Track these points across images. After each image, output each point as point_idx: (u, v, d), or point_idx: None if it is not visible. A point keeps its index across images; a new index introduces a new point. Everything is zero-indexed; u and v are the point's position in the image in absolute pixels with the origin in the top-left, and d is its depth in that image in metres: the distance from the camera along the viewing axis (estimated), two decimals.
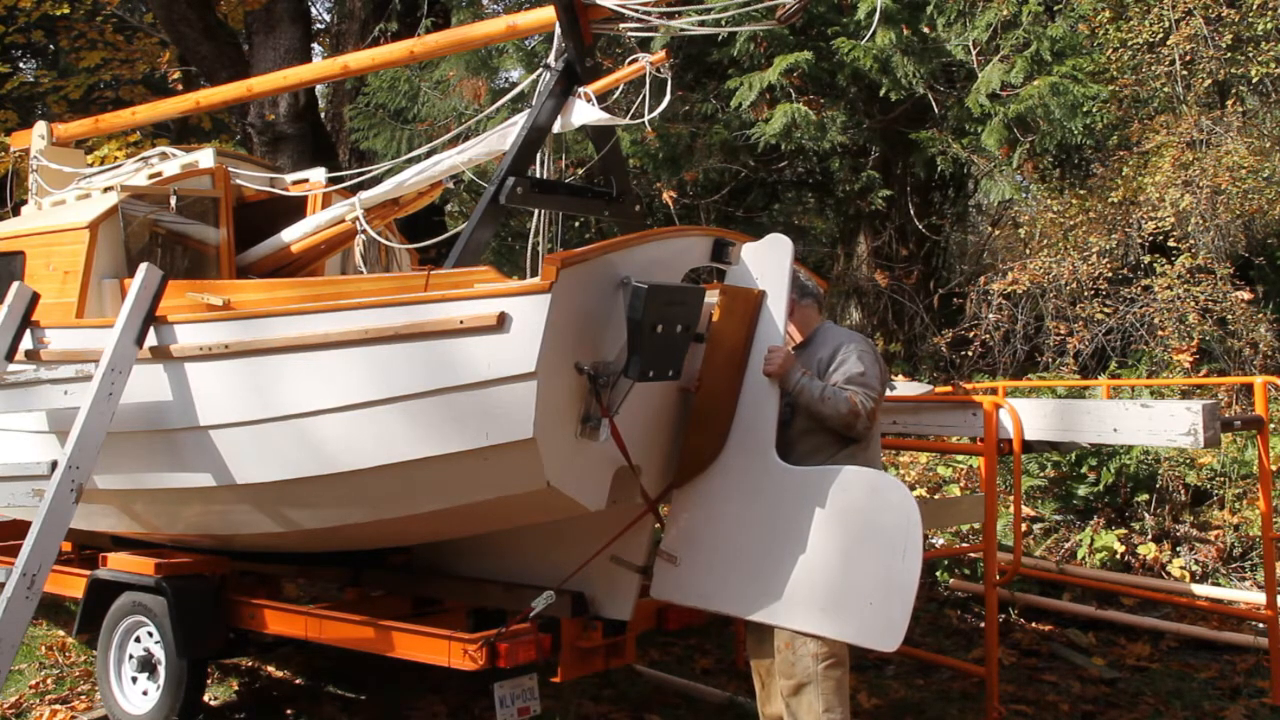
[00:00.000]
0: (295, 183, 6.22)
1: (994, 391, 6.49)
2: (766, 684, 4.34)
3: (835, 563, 3.78)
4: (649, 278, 3.75)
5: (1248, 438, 7.43)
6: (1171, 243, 9.16)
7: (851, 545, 3.76)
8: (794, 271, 4.23)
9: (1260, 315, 8.72)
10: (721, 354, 4.07)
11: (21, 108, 15.51)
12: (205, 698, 5.25)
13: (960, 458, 8.34)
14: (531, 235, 5.32)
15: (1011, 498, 6.55)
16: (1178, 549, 7.31)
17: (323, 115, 13.43)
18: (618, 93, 5.50)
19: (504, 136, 4.85)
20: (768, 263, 4.13)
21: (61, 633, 6.77)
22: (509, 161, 4.67)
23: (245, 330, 4.35)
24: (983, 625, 5.92)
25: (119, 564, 5.24)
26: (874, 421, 4.07)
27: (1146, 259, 9.28)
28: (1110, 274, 9.22)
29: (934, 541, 7.80)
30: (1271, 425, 6.12)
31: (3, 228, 6.19)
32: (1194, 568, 7.16)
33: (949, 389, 6.94)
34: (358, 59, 6.13)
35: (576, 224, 11.30)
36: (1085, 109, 8.93)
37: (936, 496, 8.27)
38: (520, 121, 4.78)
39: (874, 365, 4.13)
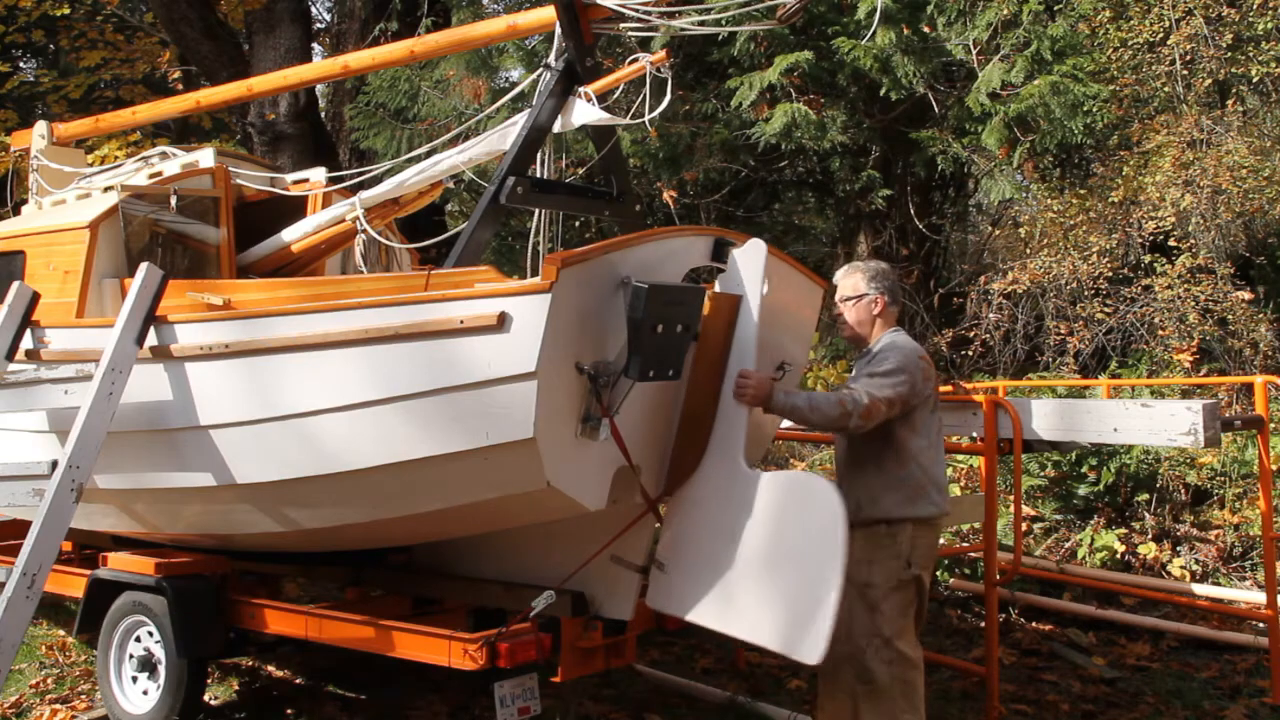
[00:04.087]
0: (295, 182, 6.22)
1: (994, 391, 6.49)
2: (827, 680, 4.29)
3: (772, 570, 3.76)
4: (649, 277, 3.75)
5: (1248, 437, 7.43)
6: (1172, 242, 9.16)
7: (784, 552, 3.74)
8: (788, 271, 4.23)
9: (1260, 315, 8.73)
10: (706, 361, 4.06)
11: (22, 107, 15.52)
12: (205, 697, 5.25)
13: (960, 457, 8.34)
14: (531, 235, 5.32)
15: (1011, 497, 6.54)
16: (1178, 549, 7.31)
17: (323, 115, 13.43)
18: (618, 92, 5.50)
19: (504, 136, 4.84)
20: (744, 267, 4.09)
21: (62, 632, 6.77)
22: (509, 161, 4.67)
23: (245, 330, 4.35)
24: (983, 625, 5.92)
25: (119, 564, 5.24)
26: (869, 419, 3.94)
27: (1147, 259, 9.28)
28: (1110, 274, 9.23)
29: None
30: (1272, 425, 6.12)
31: (3, 227, 6.18)
32: (1194, 567, 7.16)
33: (949, 389, 6.94)
34: (358, 58, 6.13)
35: (576, 224, 11.31)
36: (1085, 108, 8.93)
37: None
38: (520, 121, 4.77)
39: (895, 372, 4.01)
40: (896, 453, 4.10)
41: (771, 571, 3.76)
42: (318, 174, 6.22)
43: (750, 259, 4.10)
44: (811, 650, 3.60)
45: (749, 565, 3.82)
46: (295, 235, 5.64)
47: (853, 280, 4.29)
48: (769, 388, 3.98)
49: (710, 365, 4.06)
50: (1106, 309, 9.18)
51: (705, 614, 3.96)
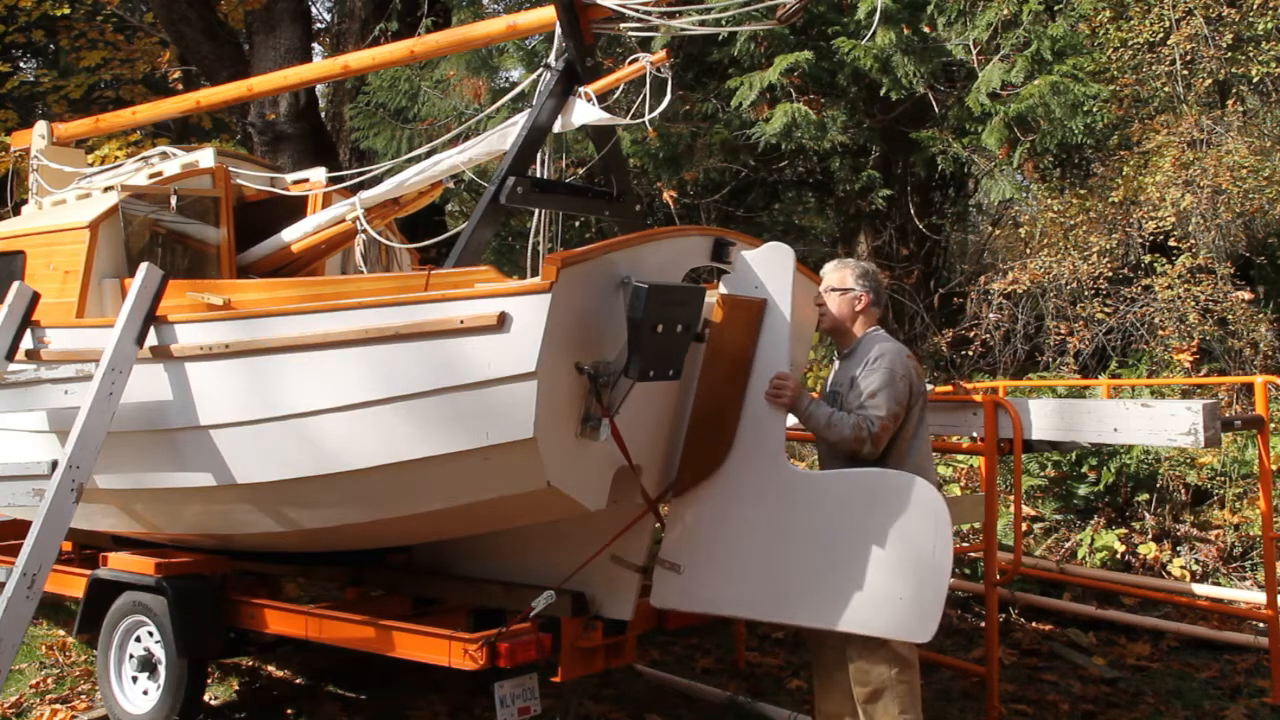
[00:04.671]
0: (295, 182, 6.22)
1: (994, 391, 6.49)
2: (824, 681, 4.37)
3: (866, 561, 3.82)
4: (649, 277, 3.75)
5: (1248, 437, 7.43)
6: (1172, 242, 9.16)
7: (881, 543, 3.80)
8: (797, 277, 4.24)
9: (1261, 315, 8.73)
10: (723, 364, 4.06)
11: (22, 107, 15.52)
12: (206, 697, 5.25)
13: (960, 457, 8.34)
14: (531, 235, 5.32)
15: (1012, 497, 6.54)
16: (1178, 549, 7.31)
17: (323, 115, 13.43)
18: (618, 92, 5.50)
19: (504, 136, 4.85)
20: (770, 271, 4.12)
21: (62, 632, 6.77)
22: (509, 161, 4.67)
23: (245, 330, 4.35)
24: (983, 625, 5.92)
25: (119, 564, 5.24)
26: (880, 446, 4.02)
27: (1147, 259, 9.28)
28: (1110, 274, 9.23)
29: None
30: (1272, 425, 6.12)
31: (3, 228, 6.19)
32: (1194, 567, 7.16)
33: (949, 389, 6.94)
34: (358, 59, 6.13)
35: (576, 224, 11.30)
36: (1086, 108, 8.93)
37: None
38: (520, 121, 4.77)
39: (892, 383, 4.04)
40: (892, 453, 4.12)
41: (867, 562, 3.81)
42: (318, 174, 6.22)
43: (777, 262, 4.11)
44: (925, 630, 3.73)
45: (823, 560, 3.88)
46: (295, 235, 5.64)
47: (841, 274, 4.33)
48: (800, 390, 4.06)
49: (731, 367, 4.06)
50: (1106, 309, 9.17)
51: (754, 608, 4.07)
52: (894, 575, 3.78)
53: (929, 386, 7.35)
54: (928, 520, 3.76)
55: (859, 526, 3.85)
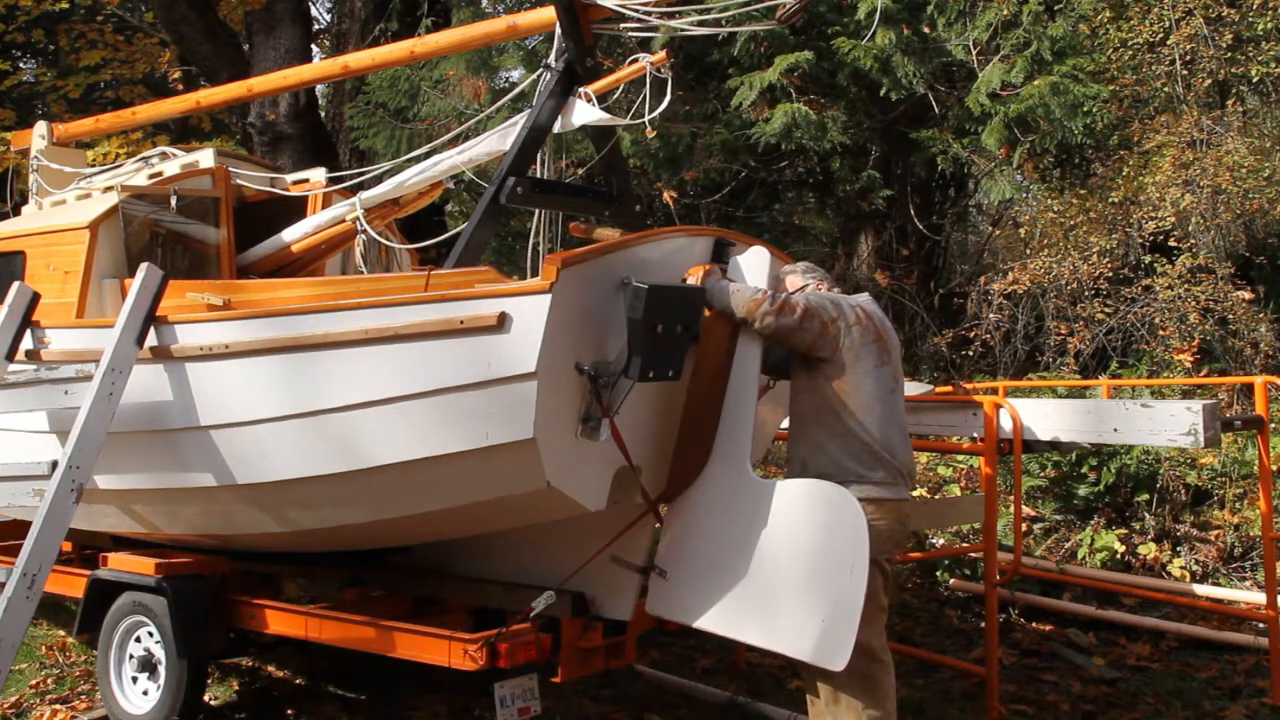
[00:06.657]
0: (295, 183, 6.22)
1: (994, 391, 6.49)
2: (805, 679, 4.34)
3: (792, 578, 3.76)
4: (649, 278, 3.75)
5: (1248, 437, 7.43)
6: (1172, 242, 9.16)
7: (807, 560, 3.74)
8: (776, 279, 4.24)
9: (1261, 315, 8.73)
10: (708, 364, 4.06)
11: (21, 107, 15.52)
12: (205, 698, 5.25)
13: (960, 458, 8.34)
14: (531, 235, 5.32)
15: (1012, 498, 6.55)
16: (1178, 549, 7.31)
17: (323, 115, 13.43)
18: (618, 93, 5.50)
19: (504, 136, 4.85)
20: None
21: (62, 633, 6.77)
22: (509, 161, 4.67)
23: (245, 330, 4.35)
24: (983, 625, 5.92)
25: (119, 564, 5.23)
26: (779, 315, 3.86)
27: (1147, 259, 9.28)
28: (1111, 274, 9.23)
29: (934, 541, 7.80)
30: (1272, 425, 6.12)
31: (3, 228, 6.19)
32: (1194, 568, 7.16)
33: (949, 389, 6.94)
34: (358, 59, 6.13)
35: None
36: (1085, 109, 8.93)
37: (937, 496, 8.27)
38: (521, 121, 4.78)
39: (823, 294, 4.05)
40: (826, 394, 3.99)
41: (790, 579, 3.76)
42: (318, 174, 6.22)
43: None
44: (837, 657, 3.64)
45: (765, 574, 3.81)
46: (295, 235, 5.64)
47: (791, 279, 4.35)
48: (715, 273, 4.07)
49: (713, 369, 4.05)
50: (1107, 309, 9.17)
51: (716, 622, 3.96)
52: (815, 594, 3.70)
53: (929, 387, 7.37)
54: (848, 540, 3.65)
55: (790, 541, 3.77)
